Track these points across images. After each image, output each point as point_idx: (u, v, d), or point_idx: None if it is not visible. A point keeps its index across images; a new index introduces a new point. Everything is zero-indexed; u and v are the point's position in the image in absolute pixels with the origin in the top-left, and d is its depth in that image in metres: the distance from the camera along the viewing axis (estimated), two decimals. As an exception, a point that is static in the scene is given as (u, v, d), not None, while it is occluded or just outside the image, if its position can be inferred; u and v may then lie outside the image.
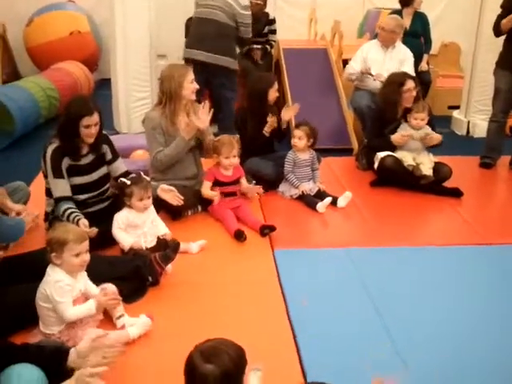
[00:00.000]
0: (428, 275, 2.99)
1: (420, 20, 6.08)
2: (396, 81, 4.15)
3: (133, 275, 2.70)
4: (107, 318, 2.48)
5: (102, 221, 3.04)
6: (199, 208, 3.65)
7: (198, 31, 4.91)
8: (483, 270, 3.09)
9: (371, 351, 2.35)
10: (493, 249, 3.30)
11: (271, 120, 3.97)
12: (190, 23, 5.91)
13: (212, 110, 3.68)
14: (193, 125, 3.51)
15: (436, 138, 4.07)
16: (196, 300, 2.70)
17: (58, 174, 3.06)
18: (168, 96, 3.56)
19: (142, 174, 3.11)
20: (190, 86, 3.55)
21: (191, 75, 3.58)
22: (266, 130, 4.00)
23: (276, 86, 4.10)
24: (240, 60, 6.05)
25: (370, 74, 4.76)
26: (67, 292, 2.24)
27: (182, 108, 3.61)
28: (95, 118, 3.06)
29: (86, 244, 2.30)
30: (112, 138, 4.47)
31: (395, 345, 2.38)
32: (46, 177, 3.16)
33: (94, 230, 2.88)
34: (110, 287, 2.42)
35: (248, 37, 5.01)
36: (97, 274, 2.59)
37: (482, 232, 3.49)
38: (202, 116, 3.58)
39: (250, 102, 4.09)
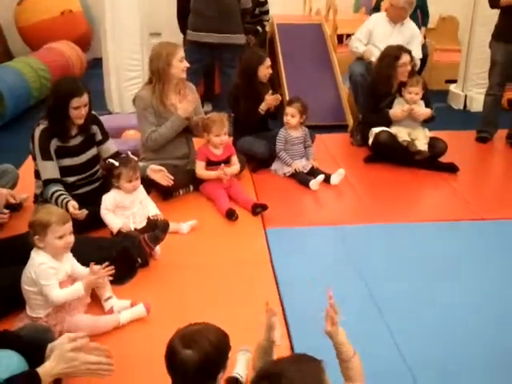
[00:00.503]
0: (422, 251, 2.96)
1: None
2: (391, 54, 4.06)
3: (122, 257, 2.67)
4: (95, 301, 2.46)
5: (92, 202, 3.01)
6: (191, 188, 3.61)
7: (203, 13, 4.87)
8: (478, 246, 3.05)
9: (363, 332, 2.31)
10: (488, 224, 3.27)
11: (269, 98, 3.90)
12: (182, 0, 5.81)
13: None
14: (191, 102, 3.46)
15: (423, 113, 3.99)
16: (185, 282, 2.67)
17: (46, 156, 3.01)
18: (157, 75, 3.49)
19: (130, 154, 3.06)
20: (179, 64, 3.48)
21: (181, 53, 3.50)
22: (262, 108, 3.93)
23: (267, 62, 4.01)
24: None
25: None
26: (52, 275, 2.21)
27: (173, 87, 3.55)
28: (85, 98, 3.00)
29: (69, 225, 2.26)
30: (103, 118, 4.41)
31: (389, 326, 2.35)
32: (34, 159, 3.11)
33: (84, 212, 2.85)
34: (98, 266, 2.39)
35: (248, 7, 5.01)
36: (85, 257, 2.55)
37: (477, 207, 3.45)
38: (186, 104, 3.50)
39: (241, 79, 4.02)
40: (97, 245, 2.71)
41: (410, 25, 4.81)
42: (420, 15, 6.12)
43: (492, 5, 4.33)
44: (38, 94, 5.62)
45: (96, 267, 2.29)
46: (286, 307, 2.48)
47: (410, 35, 4.73)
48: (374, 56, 4.49)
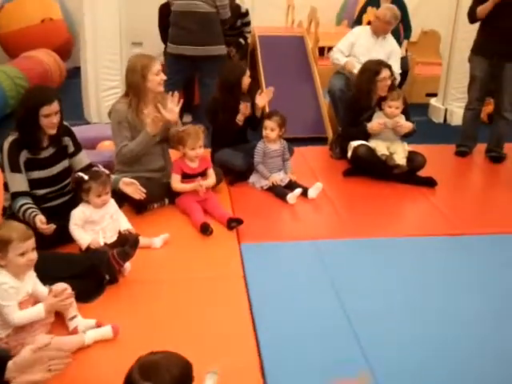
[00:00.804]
0: (399, 267, 2.92)
1: (397, 6, 5.96)
2: (371, 69, 4.04)
3: (89, 273, 2.59)
4: (60, 320, 2.37)
5: (63, 216, 2.92)
6: (166, 201, 3.53)
7: (183, 25, 4.86)
8: (456, 261, 3.01)
9: (335, 351, 2.27)
10: (467, 239, 3.23)
11: (243, 107, 3.86)
12: (164, 11, 5.77)
13: (182, 100, 3.57)
14: (158, 119, 3.39)
15: (406, 126, 3.97)
16: (155, 299, 2.60)
17: (14, 168, 2.91)
18: (132, 89, 3.43)
19: (100, 168, 2.99)
20: (155, 78, 3.40)
21: (156, 66, 3.42)
22: (239, 118, 3.89)
23: (248, 72, 4.01)
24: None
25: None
26: (12, 295, 2.12)
27: (150, 100, 3.48)
28: (55, 106, 2.90)
29: (31, 242, 2.18)
30: (80, 128, 4.39)
31: (361, 344, 2.30)
32: (3, 171, 3.03)
33: (52, 227, 2.77)
34: (61, 286, 2.30)
35: (227, 17, 4.98)
36: (51, 273, 2.50)
37: (456, 222, 3.42)
38: (172, 107, 3.46)
39: (223, 92, 3.94)
40: (64, 261, 2.63)
41: (390, 40, 4.83)
42: (402, 28, 6.14)
43: (471, 20, 4.33)
44: (15, 102, 5.50)
45: (58, 289, 2.20)
46: (258, 325, 2.41)
47: (390, 50, 4.74)
48: (356, 68, 4.47)
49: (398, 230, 3.35)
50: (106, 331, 2.31)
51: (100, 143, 4.20)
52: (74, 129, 4.28)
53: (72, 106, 5.86)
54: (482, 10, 4.17)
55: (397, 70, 4.63)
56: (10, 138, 2.93)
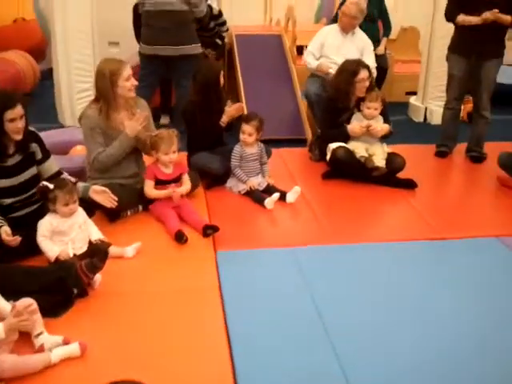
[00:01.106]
0: (378, 273, 2.85)
1: (376, 3, 5.91)
2: (349, 69, 3.96)
3: (56, 287, 2.48)
4: (25, 337, 2.25)
5: (31, 225, 2.80)
6: (140, 208, 3.43)
7: (156, 25, 4.79)
8: (436, 267, 2.95)
9: (312, 364, 2.19)
10: (447, 243, 3.17)
11: (231, 109, 3.79)
12: (138, 10, 5.64)
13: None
14: (137, 121, 3.29)
15: (381, 130, 3.89)
16: (126, 312, 2.49)
17: None
18: (102, 94, 3.32)
19: (66, 176, 2.87)
20: (125, 84, 3.29)
21: (127, 71, 3.30)
22: (224, 120, 3.80)
23: (222, 71, 3.95)
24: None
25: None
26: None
27: (121, 106, 3.37)
28: (19, 110, 2.77)
29: None
30: (51, 132, 4.27)
31: (338, 356, 2.22)
32: None
33: (17, 239, 2.66)
34: (24, 302, 2.19)
35: (202, 15, 4.91)
36: (15, 287, 2.41)
37: (436, 226, 3.36)
38: (134, 124, 3.31)
39: (202, 92, 3.81)
40: (29, 274, 2.51)
41: (361, 35, 4.79)
42: (382, 26, 6.08)
43: (448, 18, 4.28)
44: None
45: (21, 306, 2.09)
46: (232, 338, 2.32)
47: (362, 46, 4.70)
48: (332, 68, 4.40)
49: (378, 235, 3.28)
50: (73, 349, 2.21)
51: (73, 148, 4.07)
52: (47, 133, 4.21)
53: (46, 109, 5.74)
54: (466, 21, 4.11)
55: (371, 64, 4.55)
56: None
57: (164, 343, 2.30)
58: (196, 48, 4.92)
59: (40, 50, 7.15)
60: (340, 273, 2.85)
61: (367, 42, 4.78)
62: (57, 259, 2.70)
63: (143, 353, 2.22)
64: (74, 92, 5.05)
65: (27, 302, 2.21)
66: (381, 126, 3.90)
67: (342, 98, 3.95)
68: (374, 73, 4.58)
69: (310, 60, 4.71)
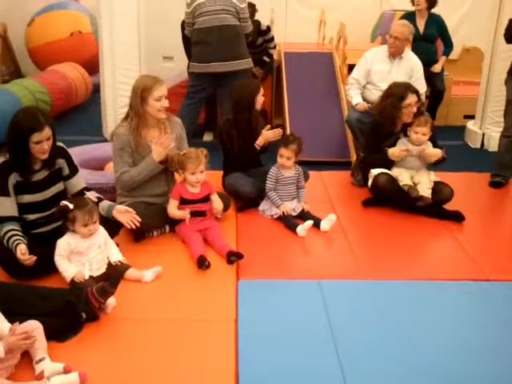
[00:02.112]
0: (413, 315, 2.60)
1: (435, 23, 5.63)
2: (396, 93, 3.69)
3: (65, 311, 2.39)
4: (27, 361, 2.17)
5: (53, 242, 2.73)
6: (167, 228, 3.32)
7: (209, 41, 4.73)
8: (480, 311, 2.67)
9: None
10: (493, 285, 2.87)
11: (268, 133, 3.66)
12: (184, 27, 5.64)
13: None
14: (163, 145, 3.21)
15: (434, 154, 3.62)
16: (134, 341, 2.36)
17: (2, 192, 2.75)
18: (133, 110, 3.25)
19: (88, 195, 2.79)
20: (155, 103, 3.19)
21: (160, 91, 3.19)
22: (259, 143, 3.67)
23: (261, 90, 3.77)
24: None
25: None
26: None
27: (152, 124, 3.29)
28: (46, 133, 2.74)
29: None
30: (87, 147, 4.26)
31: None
32: None
33: (32, 259, 2.60)
34: (25, 327, 2.11)
35: (249, 31, 4.85)
36: (24, 309, 2.34)
37: (483, 265, 3.05)
38: (159, 149, 3.22)
39: (235, 111, 3.72)
40: (38, 296, 2.44)
41: (409, 57, 4.53)
42: (443, 44, 5.79)
43: (507, 40, 3.97)
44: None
45: (19, 327, 2.01)
46: (241, 378, 2.15)
47: (410, 67, 4.45)
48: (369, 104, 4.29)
49: (416, 272, 3.00)
50: (71, 379, 2.10)
51: (108, 164, 4.03)
52: (83, 147, 4.21)
53: (94, 122, 5.80)
54: None
55: (421, 88, 4.32)
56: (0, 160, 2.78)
57: (167, 378, 2.15)
58: (248, 62, 4.85)
59: (95, 63, 7.27)
60: (368, 312, 2.61)
61: (416, 64, 4.51)
62: (72, 280, 2.63)
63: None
64: (119, 106, 5.06)
65: (28, 327, 2.13)
66: (434, 151, 3.63)
67: (387, 122, 3.72)
68: (424, 97, 4.38)
69: (352, 93, 4.53)
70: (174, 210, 3.19)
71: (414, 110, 3.66)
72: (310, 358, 2.28)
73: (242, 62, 4.76)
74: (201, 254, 2.96)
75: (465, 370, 2.24)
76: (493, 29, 5.03)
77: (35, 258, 2.59)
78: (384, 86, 4.09)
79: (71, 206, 2.66)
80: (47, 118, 2.80)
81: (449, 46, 5.81)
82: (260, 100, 3.75)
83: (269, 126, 3.75)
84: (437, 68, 5.58)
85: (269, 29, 5.67)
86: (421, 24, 5.61)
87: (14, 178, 2.77)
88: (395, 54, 4.46)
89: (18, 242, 2.66)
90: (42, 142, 2.73)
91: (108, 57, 4.95)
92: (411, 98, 3.64)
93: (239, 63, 4.75)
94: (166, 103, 3.23)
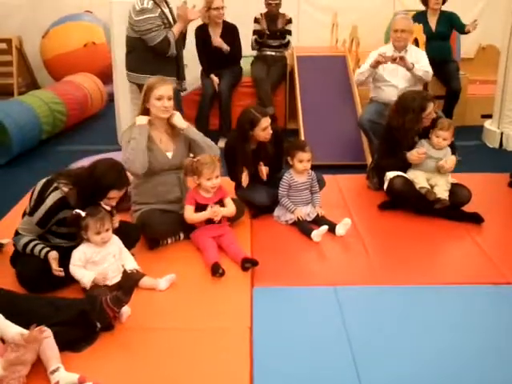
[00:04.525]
0: (432, 320, 2.54)
1: (447, 20, 5.56)
2: (415, 107, 3.53)
3: (79, 321, 2.38)
4: (40, 369, 2.16)
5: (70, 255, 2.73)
6: (181, 236, 3.31)
7: None
8: (501, 315, 2.60)
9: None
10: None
11: (262, 169, 3.56)
12: (198, 33, 5.67)
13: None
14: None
15: (450, 167, 3.55)
16: (149, 350, 2.34)
17: (41, 224, 2.72)
18: (139, 110, 3.32)
19: (102, 204, 2.79)
20: (156, 102, 3.19)
21: (160, 91, 3.18)
22: (262, 177, 3.59)
23: (264, 123, 3.43)
24: (252, 65, 5.80)
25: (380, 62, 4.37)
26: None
27: (162, 126, 3.30)
28: (123, 191, 2.80)
29: None
30: (105, 156, 4.26)
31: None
32: (28, 213, 2.75)
33: (62, 273, 2.64)
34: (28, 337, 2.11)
35: (154, 44, 4.43)
36: (38, 319, 2.31)
37: (503, 268, 2.98)
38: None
39: (238, 139, 3.56)
40: (52, 306, 2.43)
41: (412, 50, 4.58)
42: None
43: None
44: (51, 128, 5.52)
45: (19, 338, 2.01)
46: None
47: (416, 58, 4.48)
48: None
49: (434, 277, 2.94)
50: None
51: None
52: (100, 156, 4.22)
53: (109, 131, 5.84)
54: None
55: (429, 70, 4.49)
56: (58, 194, 2.69)
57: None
58: (136, 77, 4.62)
59: (110, 73, 7.33)
60: (385, 319, 2.56)
61: (420, 52, 4.62)
62: (88, 288, 2.63)
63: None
64: (133, 115, 5.05)
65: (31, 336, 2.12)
66: (449, 164, 3.54)
67: (408, 136, 3.61)
68: (430, 75, 4.48)
69: (358, 76, 4.54)
70: (192, 215, 3.17)
71: (434, 115, 3.59)
72: (326, 365, 2.25)
73: (131, 75, 4.65)
74: (215, 261, 2.94)
75: (482, 375, 2.19)
76: (508, 26, 4.95)
77: (63, 274, 2.64)
78: (395, 81, 4.08)
79: (83, 214, 2.67)
80: (128, 180, 2.86)
81: (463, 33, 5.66)
82: (262, 134, 3.47)
83: (261, 164, 3.57)
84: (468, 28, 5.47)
85: (291, 20, 5.80)
86: (432, 22, 5.58)
87: (63, 214, 2.73)
88: (401, 48, 4.51)
89: (46, 249, 2.69)
90: (114, 199, 2.77)
91: (120, 66, 4.96)
92: (431, 107, 3.56)
93: (130, 75, 4.67)
94: (166, 103, 3.21)
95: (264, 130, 3.46)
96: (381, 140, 3.91)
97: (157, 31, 4.38)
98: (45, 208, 2.68)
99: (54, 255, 2.67)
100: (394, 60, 4.30)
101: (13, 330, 2.15)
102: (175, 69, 4.60)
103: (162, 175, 3.32)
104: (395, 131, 3.65)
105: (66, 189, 2.72)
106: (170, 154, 3.32)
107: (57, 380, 2.13)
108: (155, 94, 3.18)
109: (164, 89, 3.20)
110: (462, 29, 5.62)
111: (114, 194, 2.75)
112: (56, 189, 2.71)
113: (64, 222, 2.73)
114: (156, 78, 3.30)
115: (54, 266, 2.64)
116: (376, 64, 4.36)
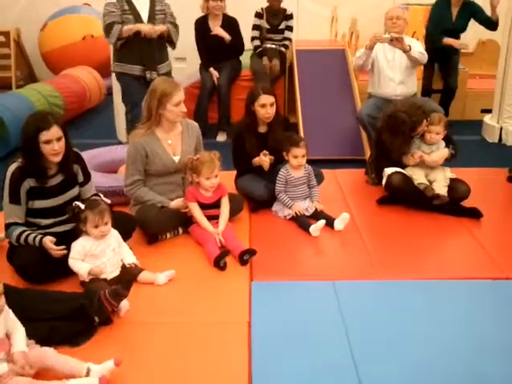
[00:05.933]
0: (430, 315, 2.55)
1: (469, 12, 5.43)
2: (404, 130, 3.51)
3: (78, 315, 2.39)
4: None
5: (67, 243, 2.72)
6: (180, 230, 3.31)
7: None
8: (500, 310, 2.61)
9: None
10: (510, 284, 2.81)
11: (261, 159, 3.53)
12: (197, 26, 5.65)
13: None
14: (183, 207, 3.25)
15: (439, 159, 3.54)
16: (147, 344, 2.35)
17: (13, 200, 2.76)
18: (148, 112, 3.24)
19: (102, 197, 2.78)
20: (174, 109, 3.17)
21: (177, 96, 3.16)
22: (255, 162, 3.59)
23: (262, 100, 3.48)
24: (251, 58, 5.78)
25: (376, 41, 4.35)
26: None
27: (170, 127, 3.28)
28: (54, 131, 2.72)
29: None
30: (101, 150, 4.26)
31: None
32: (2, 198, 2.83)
33: (64, 251, 2.65)
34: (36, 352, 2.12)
35: (111, 42, 4.45)
36: (37, 313, 2.35)
37: (501, 263, 2.99)
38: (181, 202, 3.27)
39: (247, 114, 3.62)
40: (50, 300, 2.44)
41: (407, 38, 4.53)
42: (486, 26, 5.57)
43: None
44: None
45: (19, 354, 2.03)
46: (255, 382, 2.12)
47: (410, 43, 4.41)
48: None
49: (432, 272, 2.95)
50: (90, 382, 2.08)
51: (122, 166, 4.02)
52: (97, 150, 4.21)
53: (108, 125, 5.82)
54: None
55: (421, 48, 4.46)
56: (14, 166, 2.78)
57: (180, 382, 2.15)
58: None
59: (108, 66, 7.30)
60: (383, 313, 2.56)
61: (414, 41, 4.54)
62: (86, 281, 2.63)
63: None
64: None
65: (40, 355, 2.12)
66: (438, 156, 3.55)
67: (398, 151, 3.59)
68: (425, 57, 4.44)
69: (356, 56, 4.52)
70: (199, 213, 3.17)
71: (425, 128, 3.57)
72: (325, 360, 2.25)
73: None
74: (217, 254, 2.94)
75: (481, 371, 2.19)
76: (509, 21, 4.93)
77: (66, 251, 2.64)
78: (393, 73, 4.09)
79: (82, 207, 2.66)
80: (56, 119, 2.79)
81: (490, 25, 5.47)
82: (262, 112, 3.50)
83: (265, 152, 3.56)
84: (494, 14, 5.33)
85: (292, 16, 5.71)
86: (454, 12, 5.46)
87: (28, 184, 2.77)
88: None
89: (40, 236, 2.70)
90: (51, 142, 2.71)
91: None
92: (424, 123, 3.54)
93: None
94: (184, 108, 3.21)
95: (262, 106, 3.48)
96: (374, 143, 3.90)
97: (107, 16, 4.37)
98: (8, 182, 2.75)
99: (49, 239, 2.68)
100: (391, 41, 4.26)
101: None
102: (138, 58, 4.45)
103: (167, 177, 3.33)
104: (385, 144, 3.64)
105: (20, 159, 2.78)
106: (177, 158, 3.31)
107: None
108: (174, 101, 3.15)
109: (181, 94, 3.19)
110: (487, 22, 5.41)
111: (46, 136, 2.68)
112: (12, 163, 2.79)
113: (34, 193, 2.77)
114: (170, 83, 3.25)
115: (53, 247, 2.64)
116: (372, 45, 4.30)
